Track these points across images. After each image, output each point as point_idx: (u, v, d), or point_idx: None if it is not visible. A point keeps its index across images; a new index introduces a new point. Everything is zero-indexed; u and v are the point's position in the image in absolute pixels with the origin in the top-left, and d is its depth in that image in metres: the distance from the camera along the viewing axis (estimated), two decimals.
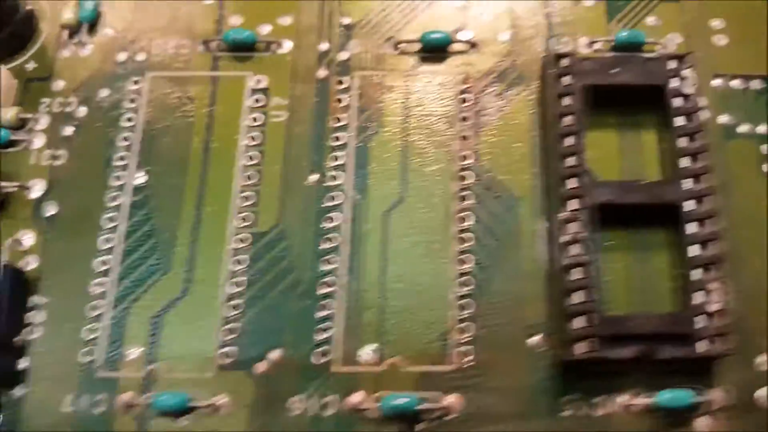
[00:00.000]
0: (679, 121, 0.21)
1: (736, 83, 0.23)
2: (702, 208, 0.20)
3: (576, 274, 0.19)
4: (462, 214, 0.21)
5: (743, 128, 0.22)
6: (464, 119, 0.22)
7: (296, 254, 0.21)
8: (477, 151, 0.22)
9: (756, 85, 0.22)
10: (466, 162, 0.22)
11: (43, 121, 0.23)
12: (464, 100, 0.22)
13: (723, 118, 0.22)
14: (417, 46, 0.23)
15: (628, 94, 0.22)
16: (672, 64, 0.21)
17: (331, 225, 0.21)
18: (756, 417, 0.19)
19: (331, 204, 0.22)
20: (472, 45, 0.23)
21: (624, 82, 0.21)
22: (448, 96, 0.23)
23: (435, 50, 0.23)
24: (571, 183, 0.20)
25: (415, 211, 0.21)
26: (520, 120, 0.22)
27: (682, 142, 0.21)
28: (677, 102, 0.21)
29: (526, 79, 0.23)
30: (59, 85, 0.23)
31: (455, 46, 0.23)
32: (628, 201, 0.20)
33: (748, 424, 0.19)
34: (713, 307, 0.19)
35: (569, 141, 0.20)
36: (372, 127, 0.23)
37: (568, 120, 0.21)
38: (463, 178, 0.21)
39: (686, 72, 0.21)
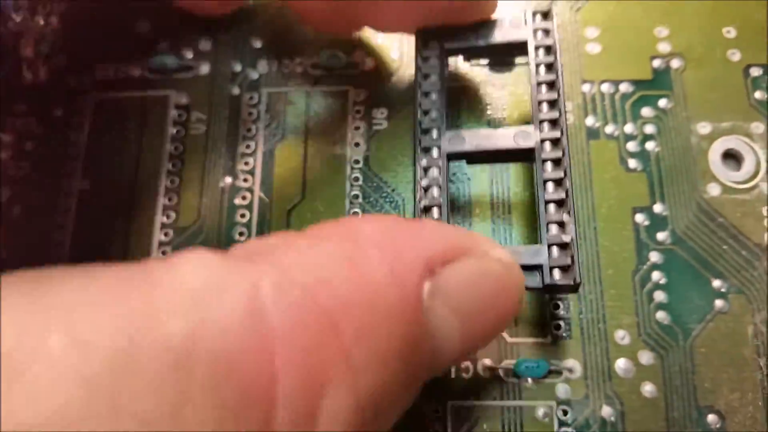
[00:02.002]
0: (540, 71, 0.22)
1: (605, 87, 0.25)
2: (555, 152, 0.21)
3: (433, 214, 0.21)
4: (353, 210, 0.24)
5: (609, 129, 0.24)
6: (356, 128, 0.25)
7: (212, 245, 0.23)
8: (367, 156, 0.24)
9: (624, 88, 0.25)
10: (357, 165, 0.24)
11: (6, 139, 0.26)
12: (357, 111, 0.25)
13: (589, 120, 0.24)
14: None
15: (496, 52, 0.23)
16: (537, 19, 0.23)
17: (243, 220, 0.24)
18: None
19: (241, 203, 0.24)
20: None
21: (489, 42, 0.23)
22: (342, 106, 0.25)
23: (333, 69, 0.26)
24: (431, 135, 0.22)
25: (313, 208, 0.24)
26: (406, 129, 0.25)
27: (541, 91, 0.22)
28: (539, 54, 0.22)
29: (410, 91, 0.25)
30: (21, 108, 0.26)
31: None
32: (484, 148, 0.22)
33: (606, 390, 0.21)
34: (565, 239, 0.20)
35: (429, 98, 0.22)
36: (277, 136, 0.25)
37: (430, 79, 0.23)
38: (356, 179, 0.24)
39: (548, 25, 0.23)
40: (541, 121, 0.22)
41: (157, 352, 0.12)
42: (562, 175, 0.21)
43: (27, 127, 0.26)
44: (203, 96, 0.26)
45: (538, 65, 0.22)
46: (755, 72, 0.25)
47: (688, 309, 0.22)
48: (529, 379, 0.22)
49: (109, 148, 0.25)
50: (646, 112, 0.24)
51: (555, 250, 0.20)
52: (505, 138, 0.22)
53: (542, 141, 0.21)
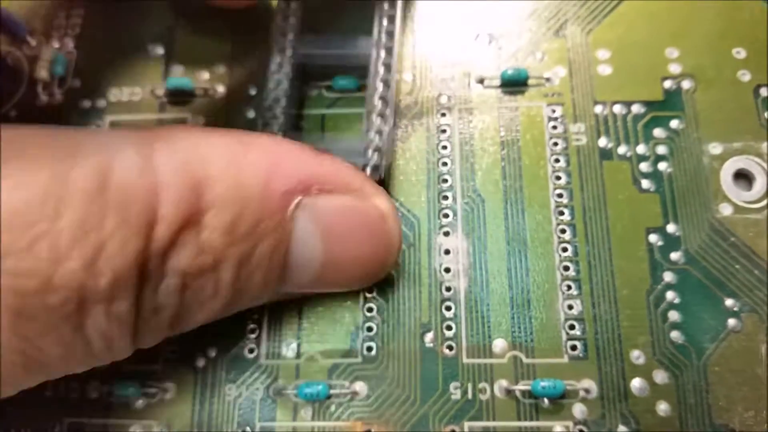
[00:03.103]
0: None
1: (617, 108, 0.25)
2: (387, 59, 0.24)
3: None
4: None
5: (622, 149, 0.24)
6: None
7: None
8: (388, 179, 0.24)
9: (636, 109, 0.25)
10: None
11: None
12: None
13: (602, 141, 0.24)
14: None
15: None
16: None
17: None
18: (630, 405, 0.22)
19: None
20: None
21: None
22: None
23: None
24: None
25: None
26: (419, 149, 0.25)
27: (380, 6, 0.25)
28: None
29: (425, 113, 0.25)
30: None
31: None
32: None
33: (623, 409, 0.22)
34: (384, 131, 0.23)
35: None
36: None
37: None
38: None
39: None
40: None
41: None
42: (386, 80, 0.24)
43: None
44: (220, 119, 0.26)
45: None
46: (765, 92, 0.25)
47: (701, 328, 0.22)
48: (546, 400, 0.22)
49: None
50: (658, 132, 0.24)
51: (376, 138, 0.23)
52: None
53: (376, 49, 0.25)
